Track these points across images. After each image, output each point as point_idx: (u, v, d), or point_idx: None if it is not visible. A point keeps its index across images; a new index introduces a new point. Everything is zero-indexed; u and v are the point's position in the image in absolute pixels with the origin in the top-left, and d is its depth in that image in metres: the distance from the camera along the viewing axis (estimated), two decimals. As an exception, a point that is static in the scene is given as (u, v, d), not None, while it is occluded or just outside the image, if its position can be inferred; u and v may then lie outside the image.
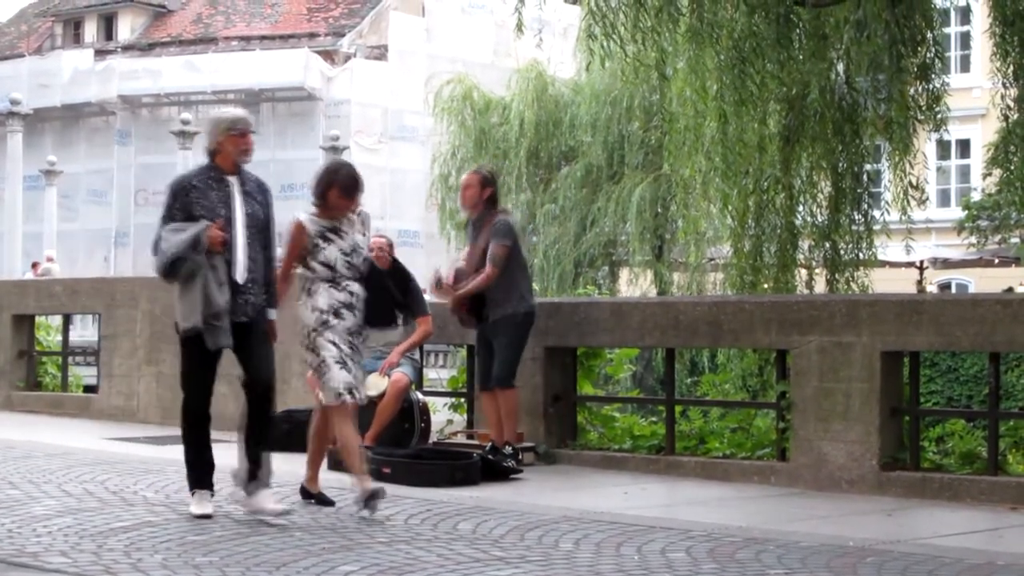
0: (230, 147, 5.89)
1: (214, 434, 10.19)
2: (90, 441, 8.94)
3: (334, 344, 6.06)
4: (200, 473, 6.02)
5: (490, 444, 7.76)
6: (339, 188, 6.20)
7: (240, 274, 5.85)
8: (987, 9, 11.30)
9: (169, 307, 10.51)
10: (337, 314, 6.08)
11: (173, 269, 5.76)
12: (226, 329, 5.83)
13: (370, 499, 5.92)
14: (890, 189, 11.83)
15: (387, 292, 6.21)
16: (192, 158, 31.10)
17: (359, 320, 6.14)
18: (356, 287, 6.14)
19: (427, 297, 8.53)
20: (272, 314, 6.07)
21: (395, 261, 8.44)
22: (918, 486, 6.90)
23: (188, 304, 5.80)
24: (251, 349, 6.01)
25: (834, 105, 10.90)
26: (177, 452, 8.49)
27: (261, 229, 6.00)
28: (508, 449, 7.69)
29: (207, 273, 5.72)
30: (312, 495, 6.33)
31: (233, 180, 5.92)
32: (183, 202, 5.84)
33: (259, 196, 6.04)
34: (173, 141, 31.55)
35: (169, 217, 5.86)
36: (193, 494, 5.92)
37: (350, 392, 6.07)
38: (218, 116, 6.04)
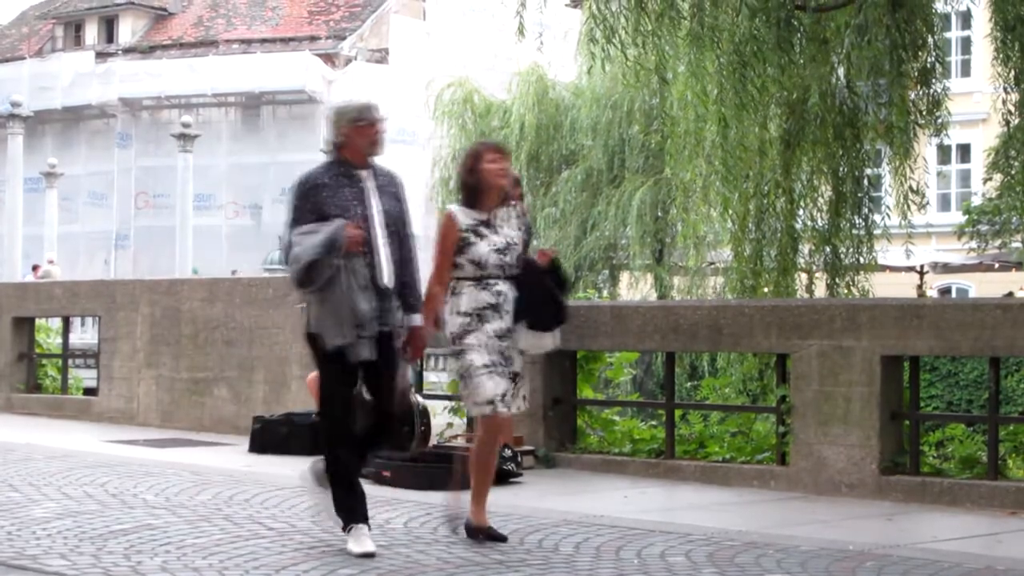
0: (358, 139, 5.28)
1: (212, 436, 10.22)
2: (90, 443, 8.94)
3: (479, 350, 5.37)
4: (353, 505, 5.20)
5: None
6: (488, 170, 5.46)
7: (385, 277, 5.20)
8: (988, 14, 11.31)
9: (170, 310, 10.60)
10: (481, 317, 5.40)
11: (310, 276, 5.07)
12: (370, 340, 5.13)
13: (454, 521, 5.52)
14: (891, 193, 11.84)
15: (546, 292, 5.41)
16: (193, 160, 31.21)
17: (507, 323, 5.42)
18: (504, 287, 5.43)
19: None
20: (417, 320, 5.35)
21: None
22: (918, 490, 6.89)
23: (332, 315, 5.08)
24: (384, 367, 5.25)
25: (835, 109, 10.91)
26: (177, 455, 8.52)
27: (398, 226, 5.36)
28: (507, 452, 7.69)
29: (347, 278, 5.09)
30: (481, 530, 5.44)
31: (364, 174, 5.31)
32: (313, 202, 5.19)
33: (393, 190, 5.43)
34: (173, 144, 31.58)
35: (298, 220, 5.21)
36: (348, 531, 5.13)
37: (494, 403, 5.33)
38: (342, 106, 5.43)
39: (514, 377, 5.41)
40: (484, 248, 5.42)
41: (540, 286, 5.45)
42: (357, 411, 5.30)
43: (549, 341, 5.53)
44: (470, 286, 5.41)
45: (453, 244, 5.44)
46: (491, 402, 5.34)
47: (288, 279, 5.26)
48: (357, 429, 5.30)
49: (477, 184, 5.46)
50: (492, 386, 5.33)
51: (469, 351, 5.36)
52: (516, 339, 5.44)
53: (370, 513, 6.07)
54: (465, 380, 5.40)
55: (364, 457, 5.47)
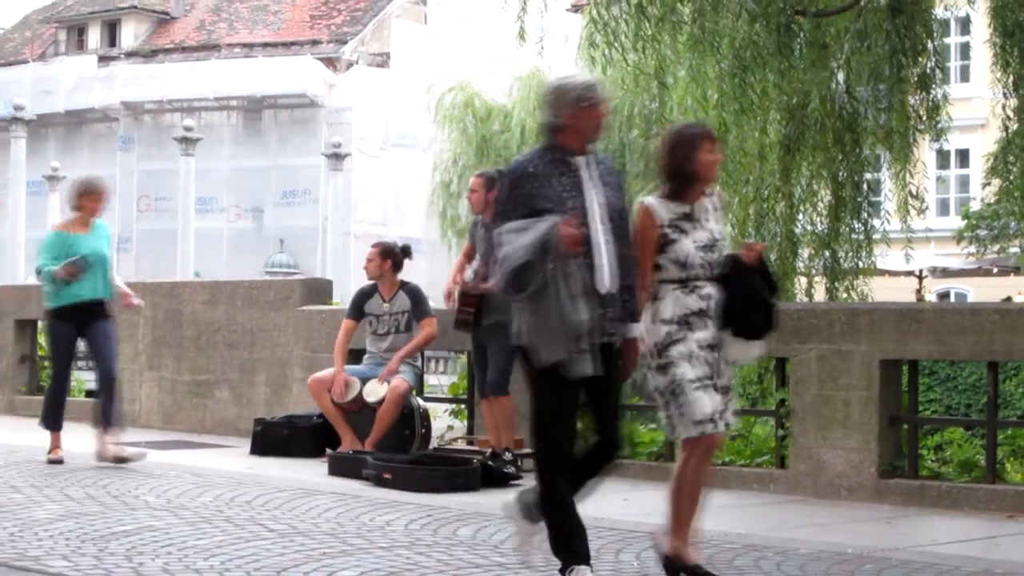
0: (582, 122, 4.62)
1: (214, 438, 10.22)
2: (92, 445, 8.96)
3: (688, 363, 4.67)
4: (574, 543, 4.58)
5: (490, 450, 7.78)
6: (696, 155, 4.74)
7: (606, 281, 4.51)
8: (987, 20, 11.35)
9: (171, 312, 10.63)
10: (688, 324, 4.70)
11: (520, 281, 4.36)
12: (591, 352, 4.43)
13: (669, 565, 4.81)
14: (890, 198, 11.87)
15: (755, 294, 4.74)
16: (194, 164, 31.25)
17: (714, 331, 4.73)
18: (710, 289, 4.74)
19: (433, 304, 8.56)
20: (636, 330, 4.65)
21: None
22: (916, 494, 6.92)
23: (544, 326, 4.39)
24: (607, 385, 4.59)
25: (834, 114, 10.93)
26: (179, 457, 8.54)
27: (622, 221, 4.64)
28: (507, 455, 7.71)
29: (561, 284, 4.40)
30: (686, 569, 4.77)
31: (581, 162, 4.61)
32: (522, 194, 4.51)
33: (614, 179, 4.72)
34: (175, 147, 31.62)
35: (505, 214, 4.52)
36: (569, 573, 4.50)
37: (712, 422, 4.67)
38: (563, 83, 4.73)
39: (725, 391, 4.76)
40: (688, 245, 4.71)
41: (749, 287, 4.76)
42: (576, 430, 4.61)
43: (757, 350, 4.87)
44: (674, 290, 4.71)
45: (653, 242, 4.69)
46: (707, 421, 4.65)
47: (499, 288, 4.46)
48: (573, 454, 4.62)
49: (692, 175, 4.73)
50: (708, 402, 4.64)
51: (676, 364, 4.65)
52: (724, 349, 4.77)
53: (370, 516, 6.13)
54: (672, 397, 4.68)
55: (583, 486, 4.76)
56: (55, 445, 7.95)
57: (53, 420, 8.08)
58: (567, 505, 4.61)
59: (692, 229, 4.74)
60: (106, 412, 7.96)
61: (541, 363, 4.41)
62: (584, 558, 4.53)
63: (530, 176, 4.55)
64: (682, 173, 4.74)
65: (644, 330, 4.69)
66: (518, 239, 4.39)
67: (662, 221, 4.70)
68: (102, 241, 8.03)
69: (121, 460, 7.78)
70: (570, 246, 4.37)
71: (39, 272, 7.90)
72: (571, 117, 4.60)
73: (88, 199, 8.00)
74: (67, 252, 7.78)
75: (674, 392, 4.67)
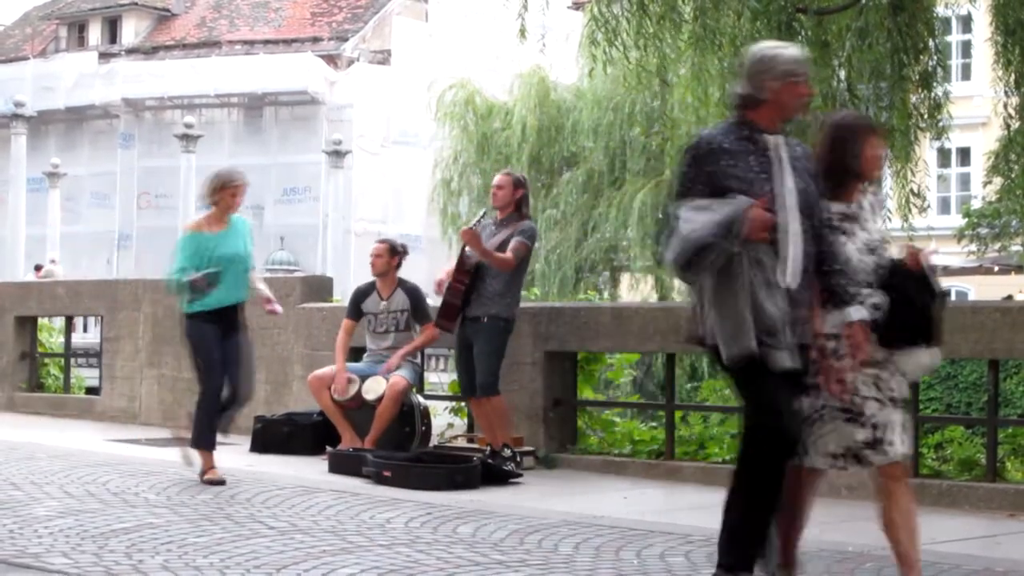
0: (786, 98, 4.21)
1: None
2: (92, 442, 8.96)
3: (855, 381, 4.27)
4: (755, 543, 4.22)
5: (489, 448, 7.78)
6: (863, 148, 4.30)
7: (791, 275, 4.08)
8: (989, 18, 11.34)
9: (172, 309, 10.61)
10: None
11: (698, 259, 4.00)
12: (789, 348, 4.04)
13: None
14: (891, 196, 11.85)
15: (918, 302, 4.31)
16: (195, 161, 31.25)
17: (881, 344, 4.28)
18: (877, 298, 4.29)
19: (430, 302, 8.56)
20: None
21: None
22: (917, 492, 6.84)
23: (734, 317, 4.02)
24: (793, 387, 4.18)
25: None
26: (179, 454, 8.53)
27: (814, 213, 4.20)
28: (507, 452, 7.71)
29: (750, 271, 4.01)
30: None
31: (774, 142, 4.21)
32: (708, 171, 4.13)
33: (808, 165, 4.27)
34: (176, 144, 31.62)
35: (686, 191, 4.14)
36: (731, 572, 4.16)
37: (899, 443, 4.23)
38: (770, 53, 4.28)
39: (893, 405, 4.29)
40: (850, 249, 4.29)
41: (914, 294, 4.33)
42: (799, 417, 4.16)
43: (928, 359, 4.42)
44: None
45: None
46: (889, 443, 4.20)
47: (668, 259, 4.09)
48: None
49: (855, 171, 4.34)
50: (860, 432, 4.23)
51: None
52: (896, 361, 4.31)
53: (370, 513, 6.13)
54: (820, 420, 4.26)
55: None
56: (211, 464, 7.06)
57: (208, 437, 7.13)
58: (771, 503, 4.18)
59: (854, 230, 4.32)
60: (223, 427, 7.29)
61: (732, 358, 4.03)
62: (750, 568, 4.16)
63: (719, 152, 4.13)
64: (844, 169, 4.33)
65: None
66: (700, 216, 4.02)
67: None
68: (241, 239, 7.22)
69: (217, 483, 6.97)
70: (757, 231, 4.00)
71: (174, 279, 7.12)
72: (775, 92, 4.19)
73: (227, 192, 7.19)
74: (205, 254, 7.04)
75: (823, 417, 4.25)
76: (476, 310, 7.72)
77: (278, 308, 7.43)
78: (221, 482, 6.91)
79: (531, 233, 7.86)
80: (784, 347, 4.03)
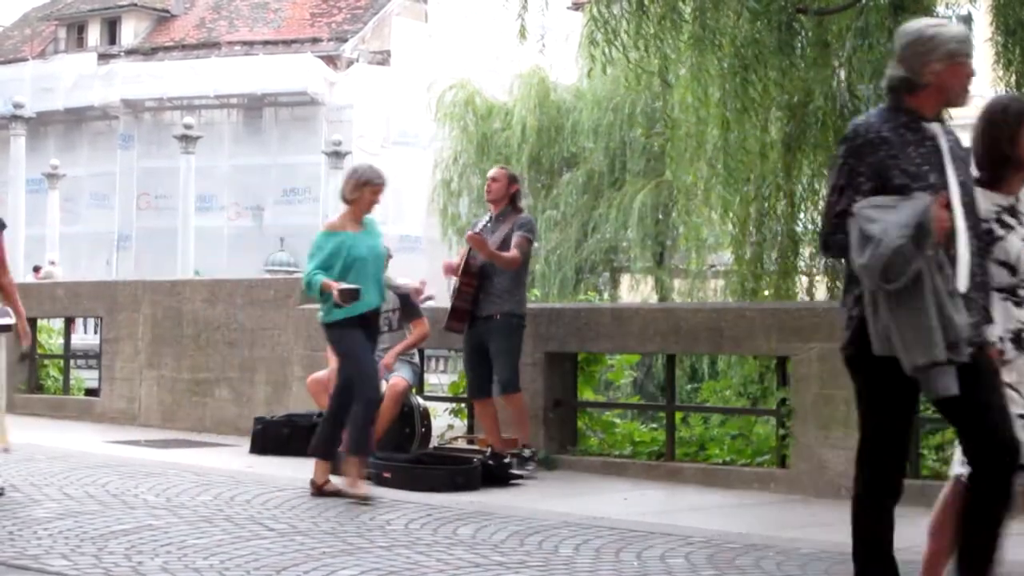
0: (949, 81, 3.84)
1: (214, 437, 10.20)
2: (91, 444, 8.95)
3: (1018, 394, 3.92)
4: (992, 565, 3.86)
5: (489, 449, 7.77)
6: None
7: (963, 280, 3.72)
8: (989, 18, 11.32)
9: (171, 311, 10.61)
10: (1019, 343, 3.92)
11: (894, 268, 3.58)
12: (954, 368, 3.69)
13: None
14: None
15: None
16: (195, 162, 31.25)
17: None
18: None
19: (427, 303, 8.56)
20: (993, 336, 3.87)
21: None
22: (917, 494, 6.86)
23: (918, 326, 3.62)
24: (982, 396, 3.78)
25: (836, 112, 10.91)
26: (179, 455, 8.52)
27: (972, 207, 3.82)
28: (526, 452, 7.71)
29: (937, 275, 3.63)
30: None
31: (937, 130, 3.86)
32: (871, 163, 3.73)
33: (964, 155, 3.94)
34: (175, 145, 31.62)
35: (851, 185, 3.74)
36: None
37: None
38: (931, 32, 3.86)
39: None
40: (1017, 243, 3.92)
41: None
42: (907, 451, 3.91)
43: None
44: (1002, 299, 3.92)
45: None
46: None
47: (861, 265, 3.64)
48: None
49: (1018, 159, 3.99)
50: None
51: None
52: None
53: (370, 515, 6.11)
54: None
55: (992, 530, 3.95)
56: (327, 476, 6.67)
57: (331, 446, 6.77)
58: (884, 539, 4.01)
59: (1018, 224, 3.94)
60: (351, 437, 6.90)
61: (914, 367, 3.67)
62: None
63: (878, 142, 3.74)
64: (1003, 157, 3.98)
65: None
66: (886, 216, 3.60)
67: (982, 215, 3.88)
68: (377, 240, 6.92)
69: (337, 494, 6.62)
70: (941, 232, 3.60)
71: (309, 282, 6.73)
72: (937, 75, 3.81)
73: (369, 190, 6.86)
74: (343, 255, 6.67)
75: None
76: (487, 309, 7.72)
77: (429, 298, 7.22)
78: (338, 493, 6.53)
79: (530, 226, 7.92)
80: (955, 365, 3.66)
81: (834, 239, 3.76)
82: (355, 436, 6.68)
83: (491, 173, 8.14)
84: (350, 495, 6.50)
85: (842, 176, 3.77)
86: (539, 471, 7.81)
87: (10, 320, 6.43)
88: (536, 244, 8.39)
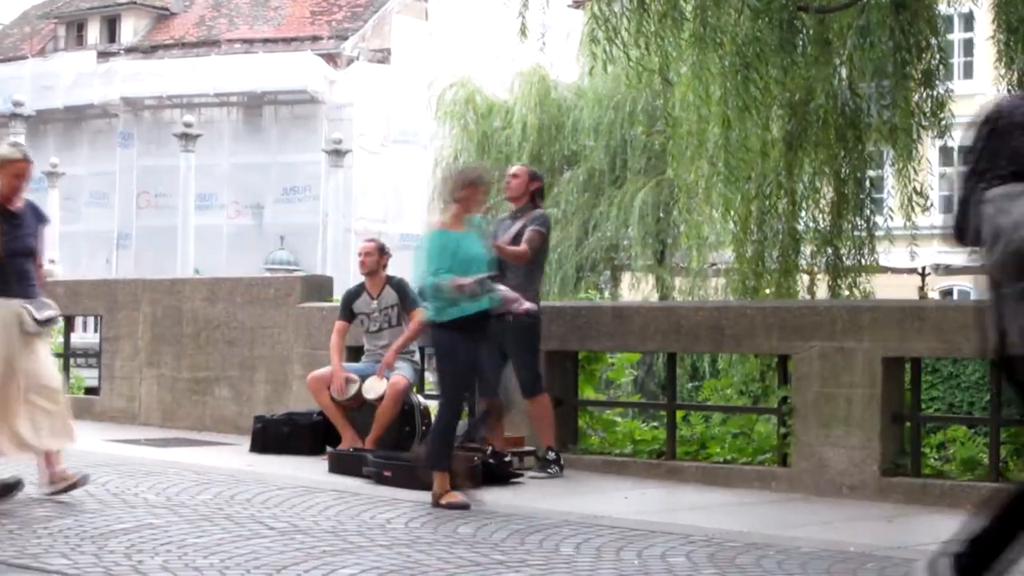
0: None
1: (214, 436, 10.19)
2: (91, 443, 8.92)
3: None
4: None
5: (490, 447, 7.75)
6: None
7: None
8: (991, 16, 11.31)
9: (171, 309, 10.59)
10: None
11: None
12: None
13: None
14: (893, 195, 11.84)
15: None
16: (194, 160, 31.21)
17: None
18: None
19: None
20: None
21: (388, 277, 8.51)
22: (919, 492, 6.89)
23: None
24: None
25: (837, 111, 10.90)
26: (179, 454, 8.51)
27: None
28: (551, 455, 7.69)
29: None
30: None
31: None
32: (1013, 147, 3.58)
33: None
34: (175, 143, 31.58)
35: (988, 170, 3.61)
36: None
37: None
38: None
39: None
40: None
41: None
42: None
43: None
44: None
45: None
46: None
47: (1000, 255, 3.52)
48: None
49: None
50: None
51: None
52: None
53: (370, 513, 6.10)
54: None
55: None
56: (447, 488, 6.42)
57: (446, 457, 6.52)
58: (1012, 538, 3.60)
59: None
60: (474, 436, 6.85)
61: None
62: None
63: (1016, 128, 3.57)
64: None
65: None
66: (1019, 206, 3.45)
67: None
68: (481, 240, 6.79)
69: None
70: None
71: (429, 281, 6.50)
72: None
73: (476, 190, 6.65)
74: (456, 255, 6.49)
75: None
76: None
77: (527, 305, 7.00)
78: (465, 505, 6.31)
79: (544, 221, 7.82)
80: None
81: (966, 228, 3.63)
82: (430, 448, 6.57)
83: (512, 169, 8.09)
84: (446, 504, 6.29)
85: (982, 158, 3.60)
86: (530, 470, 7.76)
87: (53, 313, 6.37)
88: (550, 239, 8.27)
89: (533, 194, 7.87)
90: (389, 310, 8.45)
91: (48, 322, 6.36)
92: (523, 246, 7.62)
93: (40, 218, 6.53)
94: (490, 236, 7.59)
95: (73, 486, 6.22)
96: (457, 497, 6.35)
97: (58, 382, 6.60)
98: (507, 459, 7.61)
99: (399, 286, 8.49)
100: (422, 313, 8.29)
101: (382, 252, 8.60)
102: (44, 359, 6.41)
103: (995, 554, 3.60)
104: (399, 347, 8.29)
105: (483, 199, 6.68)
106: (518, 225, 7.74)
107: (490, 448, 7.74)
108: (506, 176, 8.06)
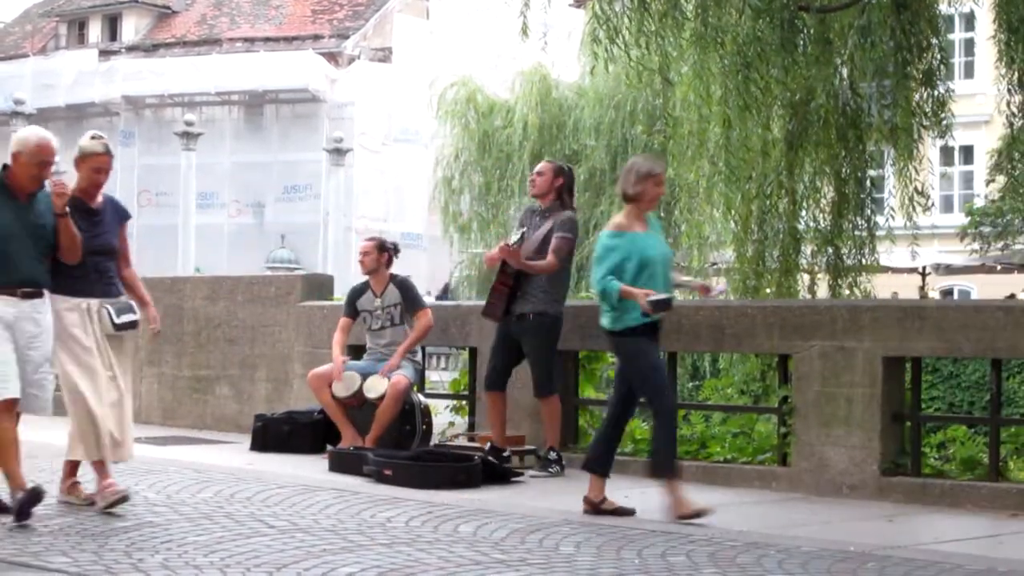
0: None
1: (214, 434, 10.20)
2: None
3: None
4: None
5: (489, 444, 7.75)
6: None
7: None
8: (992, 15, 11.30)
9: (172, 308, 10.58)
10: None
11: None
12: None
13: None
14: (894, 195, 11.83)
15: None
16: (196, 159, 31.20)
17: None
18: None
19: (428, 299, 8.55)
20: None
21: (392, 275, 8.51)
22: (919, 492, 6.89)
23: None
24: None
25: (838, 111, 10.90)
26: (179, 452, 8.51)
27: None
28: (553, 455, 7.69)
29: None
30: None
31: None
32: None
33: None
34: (177, 142, 31.60)
35: None
36: None
37: None
38: None
39: None
40: None
41: None
42: None
43: None
44: None
45: None
46: None
47: None
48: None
49: None
50: None
51: None
52: None
53: (371, 512, 6.11)
54: None
55: None
56: (603, 493, 6.24)
57: (607, 461, 6.30)
58: None
59: None
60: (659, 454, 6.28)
61: None
62: None
63: None
64: None
65: None
66: None
67: None
68: (662, 237, 6.34)
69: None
70: None
71: (604, 289, 6.10)
72: None
73: (652, 183, 6.19)
74: (634, 257, 6.08)
75: None
76: (522, 307, 7.64)
77: (718, 287, 6.60)
78: (631, 511, 6.12)
79: (571, 225, 7.67)
80: None
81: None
82: (660, 458, 6.19)
83: (538, 167, 7.92)
84: (684, 516, 6.00)
85: None
86: (531, 469, 7.76)
87: (133, 317, 6.07)
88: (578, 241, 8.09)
89: (559, 191, 7.72)
90: (392, 308, 8.46)
91: (127, 326, 6.05)
92: (550, 257, 7.52)
93: (121, 215, 6.26)
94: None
95: (123, 499, 5.87)
96: (613, 504, 6.18)
97: (126, 393, 6.08)
98: (505, 455, 7.61)
99: (402, 285, 8.50)
100: (427, 314, 8.29)
101: (381, 251, 8.59)
102: (121, 364, 6.07)
103: None
104: (406, 349, 8.29)
105: (658, 192, 6.23)
106: (547, 226, 7.62)
107: (489, 445, 7.75)
108: (531, 174, 7.97)
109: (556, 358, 7.83)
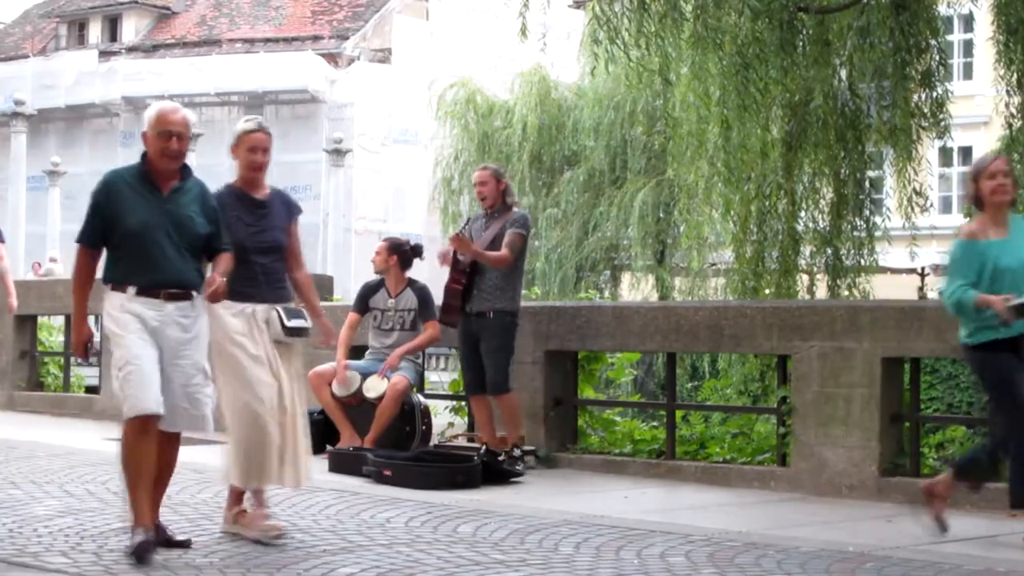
0: None
1: (214, 434, 10.17)
2: (92, 441, 8.94)
3: None
4: None
5: (484, 446, 7.76)
6: None
7: None
8: (990, 17, 11.32)
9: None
10: None
11: None
12: None
13: None
14: (892, 195, 11.85)
15: None
16: (196, 159, 31.17)
17: None
18: None
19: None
20: None
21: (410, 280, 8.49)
22: (918, 492, 6.89)
23: None
24: None
25: (837, 111, 10.92)
26: (179, 453, 8.48)
27: None
28: (516, 452, 7.71)
29: None
30: None
31: None
32: None
33: None
34: (176, 143, 31.56)
35: None
36: None
37: None
38: None
39: None
40: None
41: None
42: None
43: None
44: None
45: None
46: None
47: None
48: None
49: None
50: None
51: None
52: None
53: (370, 512, 6.11)
54: None
55: None
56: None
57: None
58: None
59: None
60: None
61: None
62: None
63: None
64: None
65: None
66: None
67: None
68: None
69: None
70: None
71: (958, 300, 5.62)
72: None
73: (986, 178, 5.55)
74: (986, 268, 5.58)
75: None
76: (479, 305, 7.71)
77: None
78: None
79: (523, 222, 7.84)
80: None
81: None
82: (1017, 485, 5.67)
83: (475, 177, 7.99)
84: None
85: None
86: (532, 469, 7.78)
87: (305, 323, 5.43)
88: (536, 244, 8.31)
89: (503, 193, 7.85)
90: (405, 313, 8.45)
91: (298, 332, 5.40)
92: (504, 251, 7.63)
93: (292, 209, 5.69)
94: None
95: (279, 536, 5.23)
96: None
97: (300, 408, 5.49)
98: (500, 457, 7.61)
99: (422, 293, 8.47)
100: (436, 326, 8.28)
101: (392, 251, 8.57)
102: (290, 376, 5.42)
103: None
104: (406, 351, 8.29)
105: (992, 186, 5.52)
106: (496, 227, 7.74)
107: (484, 447, 7.76)
108: (475, 185, 8.01)
109: (511, 356, 7.81)
